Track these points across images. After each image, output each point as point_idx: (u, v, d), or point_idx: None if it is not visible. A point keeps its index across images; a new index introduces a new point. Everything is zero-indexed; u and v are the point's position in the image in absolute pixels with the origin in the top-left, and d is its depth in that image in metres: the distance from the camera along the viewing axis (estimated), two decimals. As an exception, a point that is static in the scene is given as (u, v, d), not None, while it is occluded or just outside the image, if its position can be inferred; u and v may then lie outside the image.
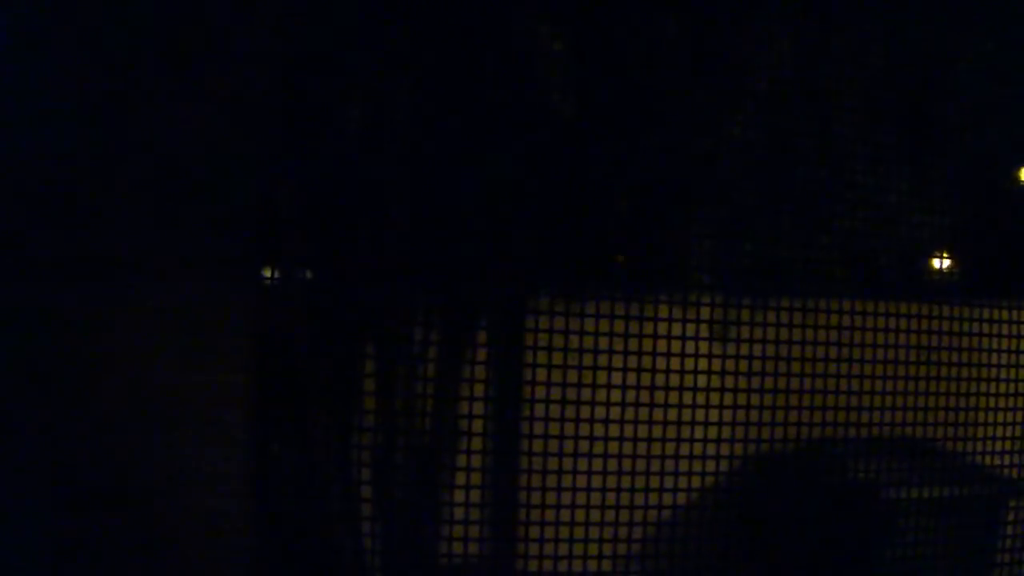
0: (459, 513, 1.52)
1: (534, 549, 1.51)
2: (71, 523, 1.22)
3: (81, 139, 1.16)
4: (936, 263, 1.89)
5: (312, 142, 1.44)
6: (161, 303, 1.23)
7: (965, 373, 1.77)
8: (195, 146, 1.19)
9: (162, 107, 1.17)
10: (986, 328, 1.78)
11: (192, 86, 1.17)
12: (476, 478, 1.54)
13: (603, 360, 1.52)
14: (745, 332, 1.60)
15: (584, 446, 1.51)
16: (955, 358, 1.76)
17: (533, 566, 1.51)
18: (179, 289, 1.39)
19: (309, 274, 1.58)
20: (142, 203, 1.18)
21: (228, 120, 1.20)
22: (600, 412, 1.52)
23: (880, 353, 1.69)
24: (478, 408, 1.54)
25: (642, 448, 1.53)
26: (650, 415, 1.53)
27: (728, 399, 1.59)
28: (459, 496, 1.53)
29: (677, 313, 1.56)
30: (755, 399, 1.61)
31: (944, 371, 1.75)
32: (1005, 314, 1.77)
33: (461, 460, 1.54)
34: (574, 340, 1.51)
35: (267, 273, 1.54)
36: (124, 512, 1.26)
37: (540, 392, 1.51)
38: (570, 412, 1.52)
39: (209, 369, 1.46)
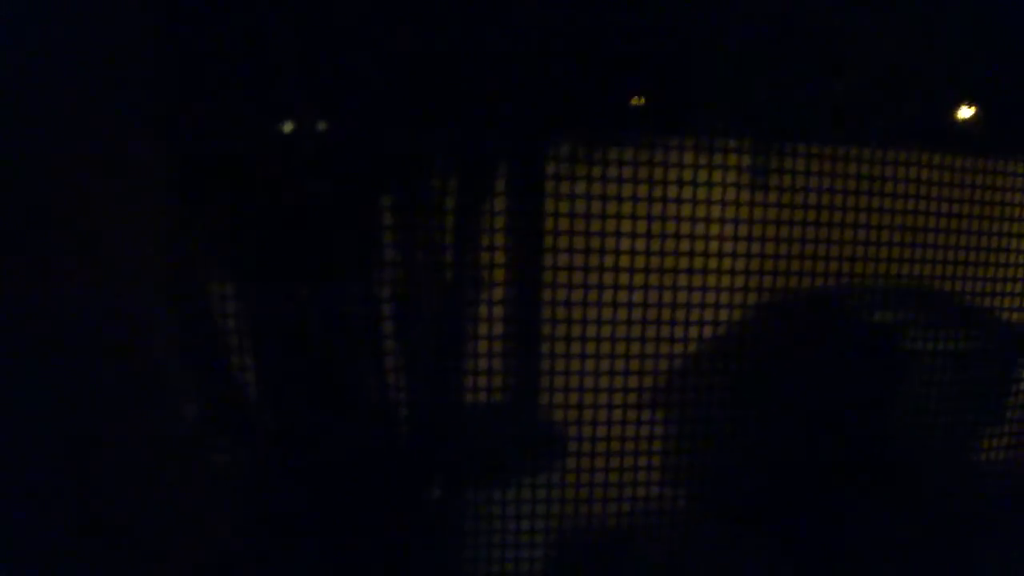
0: (482, 363, 1.53)
1: (559, 398, 1.54)
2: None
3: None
4: (963, 113, 1.85)
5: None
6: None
7: (987, 226, 1.76)
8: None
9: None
10: (1011, 181, 1.76)
11: None
12: (498, 329, 1.55)
13: (626, 208, 1.51)
14: (764, 178, 1.58)
15: (607, 296, 1.52)
16: (978, 211, 1.74)
17: (559, 412, 1.54)
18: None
19: (321, 125, 1.55)
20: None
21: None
22: (622, 260, 1.52)
23: (901, 203, 1.67)
24: (499, 259, 1.53)
25: (665, 296, 1.54)
26: (676, 263, 1.53)
27: (750, 245, 1.59)
28: (481, 347, 1.54)
29: (697, 158, 1.53)
30: (779, 247, 1.61)
31: (966, 223, 1.74)
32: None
33: (483, 311, 1.54)
34: (595, 187, 1.49)
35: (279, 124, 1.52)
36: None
37: (562, 242, 1.50)
38: (593, 261, 1.51)
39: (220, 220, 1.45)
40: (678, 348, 1.55)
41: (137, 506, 1.35)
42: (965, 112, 1.82)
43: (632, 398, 1.57)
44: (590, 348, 1.54)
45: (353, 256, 1.53)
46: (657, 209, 1.52)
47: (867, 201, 1.65)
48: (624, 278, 1.52)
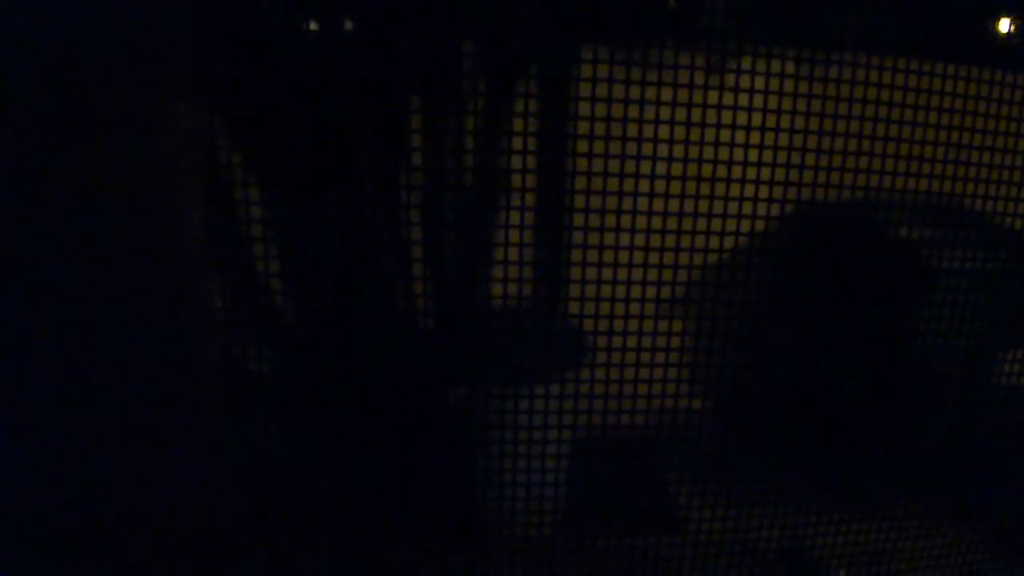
0: (511, 256, 1.51)
1: (590, 293, 1.52)
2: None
3: None
4: (998, 26, 1.82)
5: None
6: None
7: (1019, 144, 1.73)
8: None
9: None
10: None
11: None
12: (526, 231, 1.52)
13: (650, 112, 1.47)
14: (791, 85, 1.55)
15: (630, 195, 1.49)
16: (1015, 127, 1.72)
17: (588, 309, 1.53)
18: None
19: (350, 24, 1.51)
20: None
21: None
22: (646, 164, 1.49)
23: (934, 116, 1.65)
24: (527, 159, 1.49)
25: (688, 201, 1.51)
26: (710, 172, 1.51)
27: (779, 152, 1.56)
28: (512, 239, 1.51)
29: (728, 64, 1.50)
30: (804, 158, 1.59)
31: (1001, 140, 1.71)
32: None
33: (512, 213, 1.52)
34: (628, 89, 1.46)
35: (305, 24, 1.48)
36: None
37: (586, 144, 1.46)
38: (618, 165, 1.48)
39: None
40: (702, 258, 1.53)
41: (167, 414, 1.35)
42: (1005, 25, 1.79)
43: (657, 308, 1.56)
44: (622, 257, 1.52)
45: (380, 159, 1.51)
46: (696, 115, 1.49)
47: (899, 113, 1.63)
48: (653, 186, 1.50)
